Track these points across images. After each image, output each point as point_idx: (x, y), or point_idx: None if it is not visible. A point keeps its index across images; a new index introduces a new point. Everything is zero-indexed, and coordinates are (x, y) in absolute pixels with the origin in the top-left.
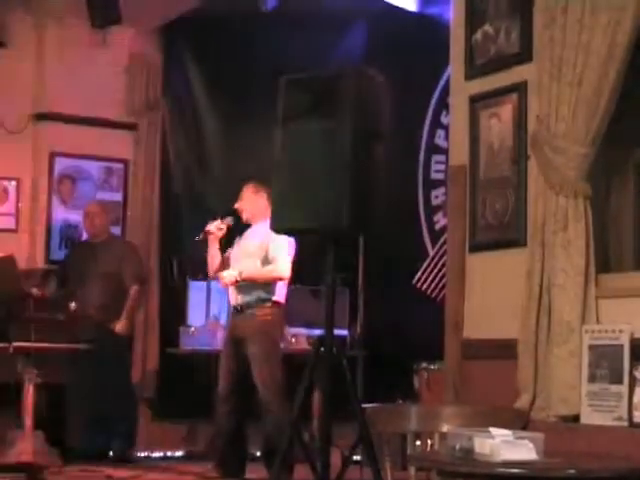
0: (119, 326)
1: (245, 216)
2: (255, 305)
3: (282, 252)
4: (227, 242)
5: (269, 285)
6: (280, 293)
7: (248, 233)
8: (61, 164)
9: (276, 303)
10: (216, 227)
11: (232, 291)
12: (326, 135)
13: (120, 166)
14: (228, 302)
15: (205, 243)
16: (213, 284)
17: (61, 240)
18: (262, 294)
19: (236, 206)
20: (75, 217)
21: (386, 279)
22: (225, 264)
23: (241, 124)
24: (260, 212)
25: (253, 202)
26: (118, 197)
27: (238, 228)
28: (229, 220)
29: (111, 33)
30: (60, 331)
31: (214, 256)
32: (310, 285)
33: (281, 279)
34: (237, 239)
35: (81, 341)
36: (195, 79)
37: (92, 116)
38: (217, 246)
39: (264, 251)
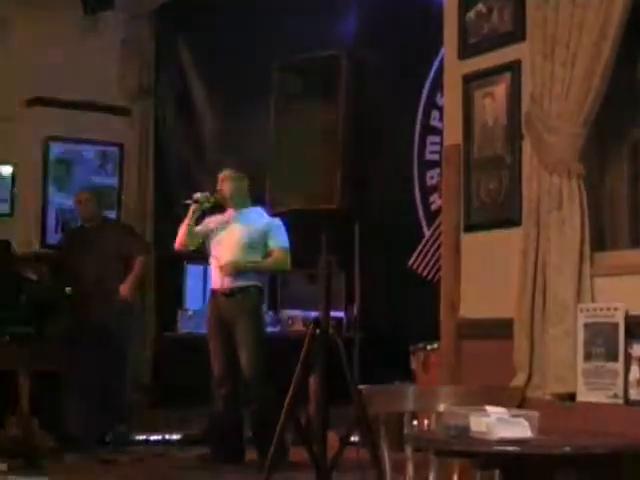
0: (123, 288)
1: (229, 199)
2: (244, 290)
3: (283, 243)
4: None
5: (262, 274)
6: (263, 278)
7: (238, 220)
8: (56, 149)
9: (261, 288)
10: (205, 197)
11: (220, 275)
12: (320, 118)
13: (115, 150)
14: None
15: (185, 212)
16: (209, 269)
17: (57, 224)
18: (256, 282)
19: (219, 188)
20: (71, 202)
21: (382, 261)
22: (194, 238)
23: (235, 109)
24: (245, 196)
25: (237, 187)
26: (113, 181)
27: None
28: (218, 197)
29: (104, 18)
30: (56, 315)
31: (189, 225)
32: (306, 268)
33: (284, 271)
34: (209, 218)
35: (80, 325)
36: (188, 64)
37: (86, 100)
38: (195, 217)
39: (263, 240)
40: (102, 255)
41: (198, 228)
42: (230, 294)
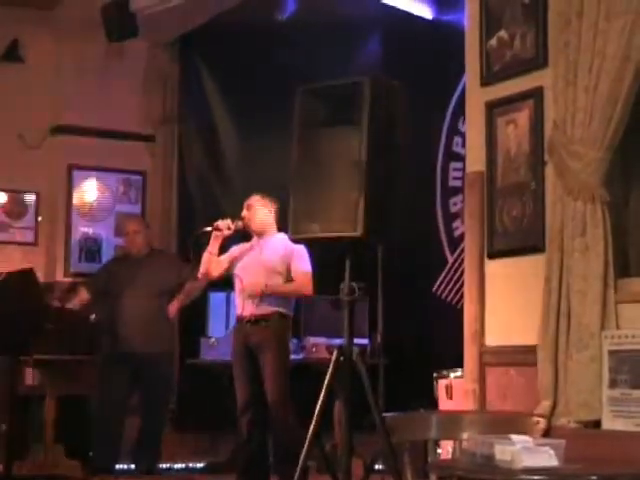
0: (172, 307)
1: (254, 226)
2: (270, 317)
3: (306, 267)
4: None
5: (287, 300)
6: (292, 306)
7: (262, 246)
8: (80, 177)
9: (287, 316)
10: (226, 225)
11: (246, 302)
12: (343, 145)
13: (138, 178)
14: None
15: (207, 239)
16: (233, 296)
17: (80, 253)
18: (280, 309)
19: (243, 215)
20: (94, 230)
21: (405, 287)
22: (225, 269)
23: (258, 136)
24: (270, 224)
25: (263, 213)
26: (137, 209)
27: (234, 238)
28: (240, 224)
29: (128, 46)
30: (81, 343)
31: (212, 253)
32: (330, 295)
33: (306, 296)
34: (235, 248)
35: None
36: (211, 91)
37: (110, 128)
38: (218, 245)
39: (286, 265)
40: (149, 288)
41: (223, 257)
42: (254, 321)
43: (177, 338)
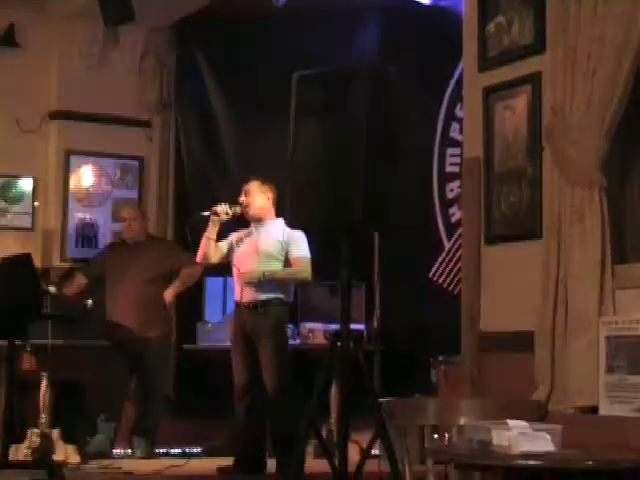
0: (167, 293)
1: (252, 212)
2: (270, 305)
3: (304, 253)
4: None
5: (286, 286)
6: (291, 292)
7: (259, 232)
8: (76, 162)
9: (286, 302)
10: (224, 210)
11: (245, 288)
12: (341, 132)
13: (135, 163)
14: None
15: (205, 224)
16: (230, 280)
17: (77, 239)
18: (279, 295)
19: (241, 200)
20: (91, 215)
21: (402, 273)
22: (223, 256)
23: (256, 122)
24: (268, 210)
25: (261, 199)
26: (133, 195)
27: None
28: (238, 210)
29: (124, 31)
30: (77, 329)
31: (210, 238)
32: (327, 281)
33: (305, 282)
34: (234, 235)
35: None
36: (209, 76)
37: (107, 114)
38: (216, 230)
39: (284, 251)
40: (145, 274)
41: (221, 243)
42: (252, 307)
43: (174, 324)
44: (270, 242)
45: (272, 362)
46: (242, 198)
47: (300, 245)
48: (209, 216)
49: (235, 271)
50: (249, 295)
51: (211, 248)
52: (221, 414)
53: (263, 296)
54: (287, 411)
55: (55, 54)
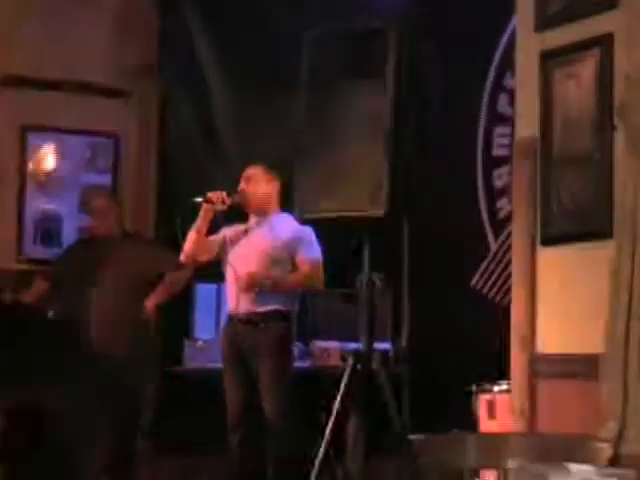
0: (149, 302)
1: (254, 203)
2: (269, 317)
3: (315, 255)
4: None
5: (291, 295)
6: (296, 303)
7: (262, 228)
8: (36, 140)
9: (290, 315)
10: (220, 198)
11: (241, 297)
12: (362, 103)
13: (108, 142)
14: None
15: (196, 213)
16: (224, 289)
17: (36, 234)
18: (281, 306)
19: (242, 187)
20: (53, 206)
21: (437, 280)
22: (215, 254)
23: (258, 92)
24: (273, 202)
25: (266, 188)
26: (106, 180)
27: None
28: (236, 199)
29: None
30: (36, 344)
31: (200, 232)
32: (344, 288)
33: (315, 289)
34: (226, 230)
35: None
36: (200, 36)
37: (74, 80)
38: (208, 221)
39: (291, 252)
40: (120, 279)
41: (211, 238)
42: (250, 321)
43: (156, 339)
44: (274, 241)
45: (272, 387)
46: (242, 185)
47: (310, 245)
48: (201, 203)
49: (230, 274)
50: (246, 306)
51: (200, 243)
52: (212, 448)
53: (263, 307)
54: (289, 438)
55: (10, 7)
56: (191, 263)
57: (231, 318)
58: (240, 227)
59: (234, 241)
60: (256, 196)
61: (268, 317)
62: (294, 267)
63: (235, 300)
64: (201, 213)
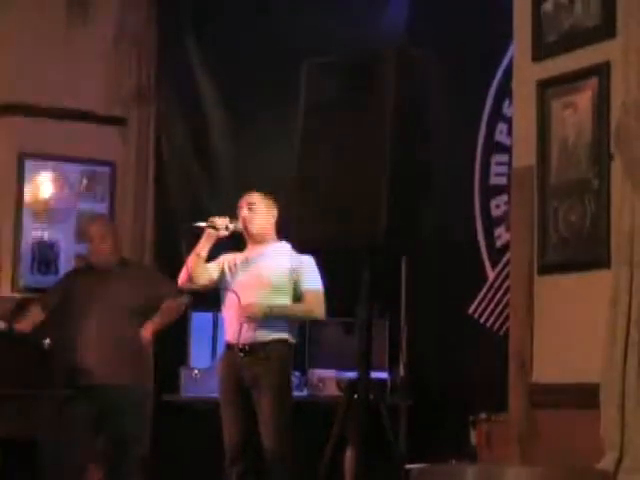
0: (146, 329)
1: (255, 230)
2: (271, 346)
3: (317, 284)
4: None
5: (291, 324)
6: (296, 331)
7: (262, 256)
8: (33, 167)
9: (291, 343)
10: (224, 223)
11: (238, 325)
12: (359, 132)
13: (105, 170)
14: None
15: (196, 239)
16: (220, 317)
17: (33, 262)
18: (284, 334)
19: (244, 215)
20: (50, 234)
21: (435, 308)
22: (213, 281)
23: (255, 119)
24: (271, 230)
25: (266, 215)
26: (103, 208)
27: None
28: (239, 226)
29: (93, 6)
30: (32, 374)
31: (201, 257)
32: (340, 317)
33: (317, 319)
34: (225, 257)
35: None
36: (198, 62)
37: (71, 108)
38: (210, 246)
39: (292, 283)
40: (116, 307)
41: (210, 264)
42: (251, 350)
43: (152, 369)
44: (276, 270)
45: (274, 419)
46: (244, 212)
47: (312, 274)
48: (204, 228)
49: (230, 303)
50: (248, 335)
51: (200, 268)
52: None
53: (264, 336)
54: (289, 472)
55: (7, 35)
56: (188, 288)
57: (230, 347)
58: (238, 255)
59: (233, 269)
60: (256, 223)
61: (270, 346)
62: (295, 296)
63: (235, 330)
64: (203, 237)
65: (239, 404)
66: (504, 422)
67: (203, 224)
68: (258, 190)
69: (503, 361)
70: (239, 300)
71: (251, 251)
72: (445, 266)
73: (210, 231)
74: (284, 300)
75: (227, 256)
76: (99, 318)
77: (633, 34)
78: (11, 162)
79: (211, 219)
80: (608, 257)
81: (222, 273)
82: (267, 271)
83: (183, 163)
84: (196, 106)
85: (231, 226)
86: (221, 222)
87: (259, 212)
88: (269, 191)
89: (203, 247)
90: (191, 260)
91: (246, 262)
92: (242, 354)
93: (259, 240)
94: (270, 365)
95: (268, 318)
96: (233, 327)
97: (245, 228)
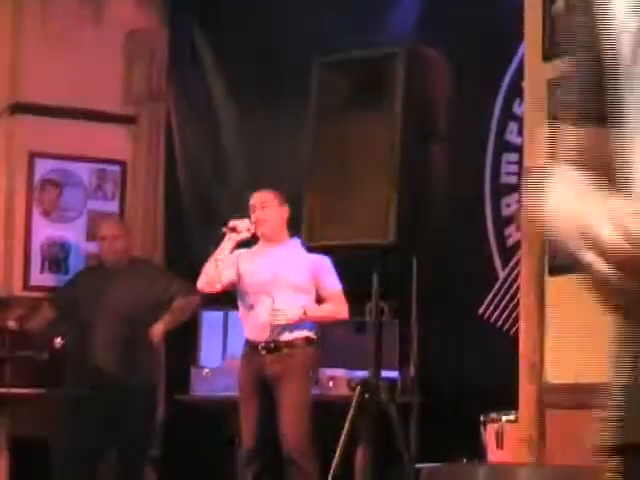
0: (156, 329)
1: (269, 231)
2: (294, 344)
3: (338, 285)
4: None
5: (316, 323)
6: (318, 329)
7: (277, 256)
8: (43, 167)
9: (314, 341)
10: (245, 226)
11: (263, 324)
12: (370, 131)
13: (116, 169)
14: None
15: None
16: (232, 315)
17: (43, 262)
18: (308, 332)
19: (257, 216)
20: (61, 233)
21: (445, 308)
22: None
23: (267, 119)
24: (284, 229)
25: (279, 214)
26: (113, 207)
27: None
28: (255, 226)
29: (105, 4)
30: (41, 374)
31: (220, 260)
32: (352, 317)
33: (343, 320)
34: (237, 257)
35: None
36: (209, 61)
37: (81, 107)
38: (231, 251)
39: (315, 281)
40: (127, 306)
41: (227, 269)
42: (276, 348)
43: (163, 368)
44: (296, 270)
45: (296, 416)
46: (258, 212)
47: (332, 274)
48: (225, 233)
49: (256, 303)
50: (272, 334)
51: (220, 272)
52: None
53: (290, 335)
54: (313, 472)
55: (18, 34)
56: (209, 291)
57: (252, 346)
58: (252, 252)
59: (250, 269)
60: (270, 223)
61: (295, 344)
62: (317, 296)
63: (259, 330)
64: (225, 241)
65: (258, 402)
66: (514, 422)
67: (225, 229)
68: (270, 189)
69: (514, 361)
70: (273, 302)
71: (266, 250)
72: (456, 266)
73: (231, 235)
74: (305, 300)
75: (241, 255)
76: (109, 317)
77: None
78: (22, 161)
79: (232, 222)
80: None
81: (239, 274)
82: (287, 271)
83: (194, 162)
84: (207, 105)
85: (252, 228)
86: (243, 225)
87: (272, 211)
88: (278, 190)
89: (222, 251)
90: (211, 265)
91: (264, 261)
92: (265, 352)
93: (273, 239)
94: (293, 363)
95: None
96: (257, 326)
97: (258, 228)
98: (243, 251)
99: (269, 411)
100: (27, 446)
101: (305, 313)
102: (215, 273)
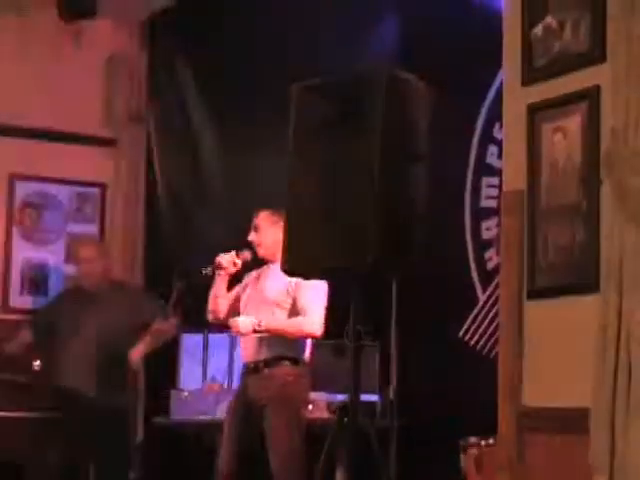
0: (134, 352)
1: (261, 252)
2: (274, 363)
3: (314, 300)
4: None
5: (292, 339)
6: (304, 349)
7: (267, 274)
8: (23, 189)
9: (299, 361)
10: (229, 260)
11: (245, 344)
12: (350, 155)
13: (96, 191)
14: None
15: (210, 279)
16: (212, 338)
17: (23, 284)
18: (282, 350)
19: (250, 238)
20: (40, 255)
21: (425, 331)
22: (232, 308)
23: (246, 140)
24: (279, 248)
25: (272, 235)
26: (93, 229)
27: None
28: (246, 254)
29: (85, 28)
30: (20, 396)
31: (219, 296)
32: (331, 339)
33: (312, 336)
34: (246, 278)
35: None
36: (188, 84)
37: (61, 130)
38: (225, 285)
39: (290, 298)
40: (106, 329)
41: (231, 297)
42: (254, 369)
43: (142, 390)
44: (274, 286)
45: (279, 444)
46: (252, 235)
47: (310, 290)
48: (212, 273)
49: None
50: (252, 353)
51: (221, 305)
52: None
53: (263, 354)
54: None
55: None
56: (215, 321)
57: (244, 367)
58: (252, 275)
59: (245, 290)
60: (264, 244)
61: (269, 363)
62: (293, 312)
63: (243, 347)
64: (217, 279)
65: (241, 423)
66: (494, 446)
67: (208, 270)
68: (248, 210)
69: (493, 385)
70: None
71: (263, 269)
72: (436, 289)
73: (219, 272)
74: (280, 316)
75: (242, 282)
76: (87, 339)
77: (621, 60)
78: (2, 183)
79: (217, 260)
80: (597, 282)
81: (238, 299)
82: (269, 287)
83: (174, 184)
84: (187, 128)
85: (239, 260)
86: (227, 260)
87: (264, 233)
88: (274, 208)
89: (219, 288)
90: (212, 303)
91: (257, 280)
92: (247, 372)
93: (269, 259)
94: (273, 384)
95: (263, 335)
96: (242, 345)
97: (257, 250)
98: (253, 273)
99: (249, 435)
100: (2, 469)
101: (259, 324)
102: (215, 307)
